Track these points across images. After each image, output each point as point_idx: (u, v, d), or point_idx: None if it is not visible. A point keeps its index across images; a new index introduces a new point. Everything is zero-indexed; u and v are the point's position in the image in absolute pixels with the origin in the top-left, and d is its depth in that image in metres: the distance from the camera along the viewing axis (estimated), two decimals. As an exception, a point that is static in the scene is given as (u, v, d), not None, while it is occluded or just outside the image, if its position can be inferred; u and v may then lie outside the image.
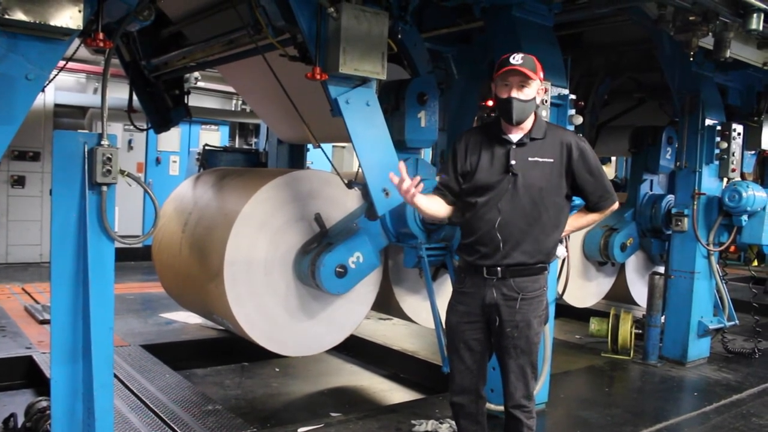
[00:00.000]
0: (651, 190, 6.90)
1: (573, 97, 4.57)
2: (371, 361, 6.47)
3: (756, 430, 4.54)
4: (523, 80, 3.00)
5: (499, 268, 3.05)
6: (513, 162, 3.05)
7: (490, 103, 6.74)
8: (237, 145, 12.64)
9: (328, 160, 4.62)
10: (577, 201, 3.30)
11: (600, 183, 3.18)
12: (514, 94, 3.00)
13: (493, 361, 3.25)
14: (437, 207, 3.23)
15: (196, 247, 4.67)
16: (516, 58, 2.99)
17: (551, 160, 3.08)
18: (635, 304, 7.26)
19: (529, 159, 3.06)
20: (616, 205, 3.29)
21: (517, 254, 3.04)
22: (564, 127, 3.91)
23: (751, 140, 6.39)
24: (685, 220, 5.99)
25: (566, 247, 5.10)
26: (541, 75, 3.09)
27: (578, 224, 3.37)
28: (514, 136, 3.10)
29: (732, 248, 7.20)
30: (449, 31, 5.09)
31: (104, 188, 3.04)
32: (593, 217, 3.32)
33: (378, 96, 3.97)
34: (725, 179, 6.16)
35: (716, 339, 6.47)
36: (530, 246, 3.06)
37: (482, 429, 3.29)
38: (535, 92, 3.06)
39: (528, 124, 3.11)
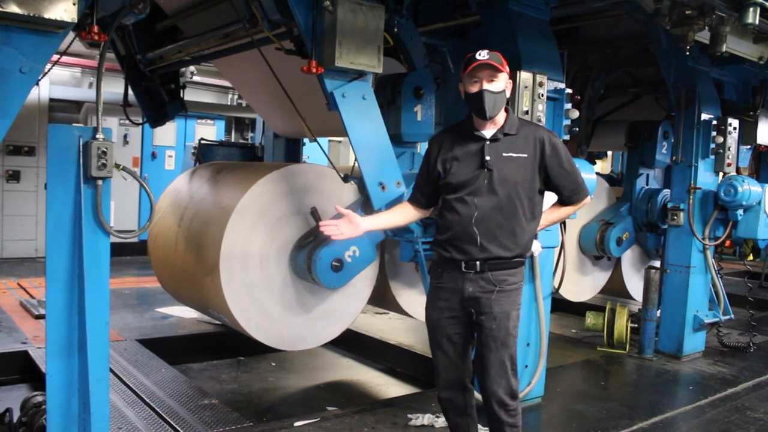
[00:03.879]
0: (647, 184, 6.90)
1: (569, 91, 4.57)
2: (367, 356, 6.48)
3: (751, 424, 4.56)
4: (492, 73, 3.05)
5: (477, 262, 3.08)
6: (488, 157, 3.09)
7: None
8: (233, 140, 12.62)
9: (324, 154, 4.61)
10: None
11: (572, 177, 3.24)
12: (485, 86, 3.04)
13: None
14: (397, 221, 3.49)
15: (192, 241, 4.66)
16: (482, 54, 3.04)
17: (525, 155, 3.12)
18: (631, 298, 7.27)
19: (504, 154, 3.10)
20: (588, 199, 3.36)
21: (495, 248, 3.08)
22: (536, 123, 3.98)
23: (747, 135, 6.39)
24: (681, 214, 6.00)
25: (562, 235, 5.09)
26: (508, 69, 3.13)
27: (552, 218, 3.43)
28: (488, 132, 3.14)
29: (727, 243, 7.21)
30: (445, 26, 5.08)
31: (99, 182, 3.02)
32: (567, 211, 3.38)
33: (374, 90, 3.96)
34: (721, 174, 6.18)
35: (711, 333, 6.49)
36: (507, 240, 3.10)
37: (473, 421, 3.30)
38: (504, 85, 3.10)
39: (500, 119, 3.15)
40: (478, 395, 3.33)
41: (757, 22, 4.08)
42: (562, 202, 3.33)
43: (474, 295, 3.09)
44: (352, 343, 6.52)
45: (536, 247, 3.39)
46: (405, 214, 3.43)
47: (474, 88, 3.07)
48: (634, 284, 7.12)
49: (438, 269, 3.25)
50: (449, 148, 3.20)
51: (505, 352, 3.10)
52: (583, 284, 6.87)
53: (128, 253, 10.39)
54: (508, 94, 3.16)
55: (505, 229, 3.09)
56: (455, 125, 3.33)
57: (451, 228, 3.13)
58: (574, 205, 3.34)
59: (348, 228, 3.22)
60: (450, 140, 3.23)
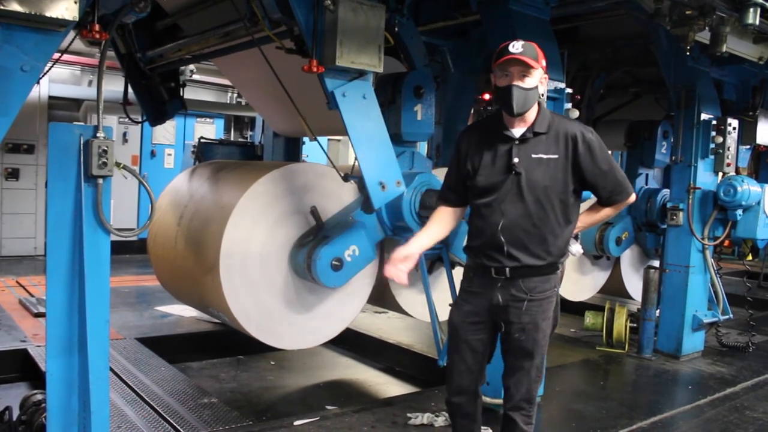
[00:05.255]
0: (646, 184, 6.92)
1: (569, 90, 4.57)
2: (367, 355, 6.49)
3: (750, 423, 4.57)
4: (524, 69, 2.84)
5: (507, 269, 2.93)
6: (516, 160, 2.89)
7: (487, 96, 6.76)
8: (232, 138, 12.61)
9: (324, 153, 4.61)
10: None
11: (611, 176, 2.99)
12: (516, 82, 2.83)
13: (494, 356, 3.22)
14: (439, 232, 3.20)
15: (192, 240, 4.66)
16: (516, 47, 2.82)
17: (556, 156, 2.91)
18: (630, 297, 7.29)
19: (533, 156, 2.90)
20: (632, 198, 3.10)
21: (525, 257, 2.91)
22: (569, 118, 3.68)
23: (747, 135, 6.40)
24: (680, 214, 6.00)
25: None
26: (544, 63, 2.94)
27: (591, 221, 3.20)
28: (517, 131, 2.94)
29: (726, 242, 7.22)
30: (446, 25, 5.09)
31: (100, 181, 3.02)
32: (607, 212, 3.13)
33: (374, 89, 3.96)
34: (720, 174, 6.18)
35: (710, 333, 6.50)
36: (538, 248, 2.92)
37: (478, 426, 3.25)
38: (538, 81, 2.89)
39: (531, 116, 2.94)
40: (485, 398, 3.29)
41: (757, 22, 4.08)
42: (600, 203, 3.09)
43: (504, 304, 2.95)
44: (351, 342, 6.52)
45: (576, 248, 3.18)
46: (444, 222, 3.19)
47: (503, 82, 2.86)
48: (633, 284, 7.13)
49: (469, 273, 3.12)
50: (478, 148, 3.00)
51: (530, 362, 2.98)
52: (582, 284, 6.88)
53: (128, 252, 10.38)
54: (542, 90, 2.95)
55: (535, 237, 2.91)
56: (484, 120, 3.15)
57: (480, 236, 2.99)
58: (614, 206, 3.09)
59: (406, 265, 3.02)
60: (478, 138, 3.04)
